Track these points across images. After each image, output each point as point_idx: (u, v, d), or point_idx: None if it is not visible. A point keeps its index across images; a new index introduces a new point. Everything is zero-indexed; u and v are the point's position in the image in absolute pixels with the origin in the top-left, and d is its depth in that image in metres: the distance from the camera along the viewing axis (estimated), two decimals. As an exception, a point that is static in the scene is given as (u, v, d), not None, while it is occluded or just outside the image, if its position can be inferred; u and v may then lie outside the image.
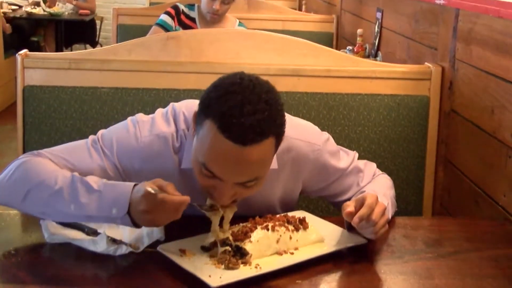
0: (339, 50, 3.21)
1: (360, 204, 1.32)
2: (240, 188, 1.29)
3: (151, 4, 5.49)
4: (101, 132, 1.48)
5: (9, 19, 6.61)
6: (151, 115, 1.49)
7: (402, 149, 2.06)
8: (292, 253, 1.32)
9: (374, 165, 1.66)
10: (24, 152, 1.87)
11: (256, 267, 1.25)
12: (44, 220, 1.37)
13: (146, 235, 1.36)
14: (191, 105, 1.46)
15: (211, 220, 1.31)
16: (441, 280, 1.28)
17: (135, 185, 1.29)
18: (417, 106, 2.07)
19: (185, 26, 3.28)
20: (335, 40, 4.21)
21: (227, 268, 1.24)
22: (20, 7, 7.22)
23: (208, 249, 1.31)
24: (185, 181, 1.37)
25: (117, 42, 3.66)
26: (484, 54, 1.84)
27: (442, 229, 1.62)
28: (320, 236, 1.39)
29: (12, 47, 6.14)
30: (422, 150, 2.08)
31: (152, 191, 1.23)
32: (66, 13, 7.02)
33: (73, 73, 2.03)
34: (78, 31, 7.24)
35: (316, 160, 1.52)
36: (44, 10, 6.96)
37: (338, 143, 1.61)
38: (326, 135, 1.58)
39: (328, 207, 1.91)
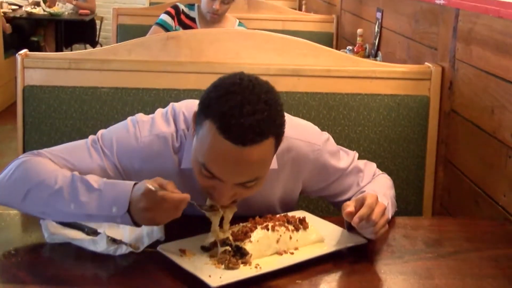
0: (339, 50, 3.21)
1: (360, 204, 1.32)
2: (240, 189, 1.29)
3: (151, 4, 5.49)
4: (101, 132, 1.48)
5: (9, 19, 6.62)
6: (151, 115, 1.49)
7: (402, 149, 2.06)
8: (292, 253, 1.32)
9: (374, 165, 1.66)
10: (24, 152, 1.87)
11: (256, 267, 1.25)
12: (44, 220, 1.38)
13: (146, 235, 1.36)
14: (191, 105, 1.46)
15: (211, 221, 1.31)
16: (441, 280, 1.28)
17: (135, 183, 1.29)
18: (417, 106, 2.07)
19: (185, 26, 3.28)
20: (335, 40, 4.21)
21: (227, 268, 1.24)
22: (20, 7, 7.22)
23: (208, 249, 1.31)
24: (185, 181, 1.37)
25: (117, 42, 3.66)
26: (484, 54, 1.84)
27: (442, 229, 1.62)
28: (320, 236, 1.39)
29: (12, 47, 6.14)
30: (422, 150, 2.08)
31: (153, 188, 1.23)
32: (66, 13, 7.02)
33: (73, 73, 2.03)
34: (78, 31, 7.24)
35: (316, 160, 1.52)
36: (44, 10, 6.96)
37: (338, 143, 1.61)
38: (326, 135, 1.58)
39: (328, 207, 1.91)
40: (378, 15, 3.20)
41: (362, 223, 1.30)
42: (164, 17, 3.26)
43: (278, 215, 1.41)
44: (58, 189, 1.31)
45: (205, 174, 1.27)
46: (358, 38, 3.47)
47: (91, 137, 1.47)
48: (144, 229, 1.36)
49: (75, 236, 1.36)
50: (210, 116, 1.23)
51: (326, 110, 2.03)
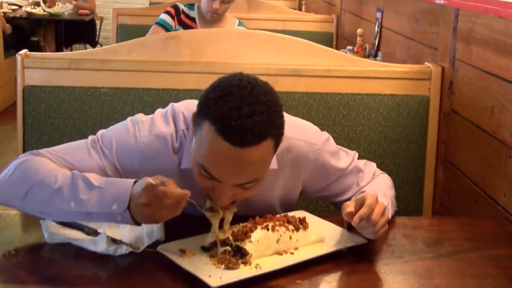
0: (339, 50, 3.21)
1: (360, 204, 1.32)
2: (239, 190, 1.29)
3: (151, 4, 5.50)
4: (100, 132, 1.48)
5: (9, 19, 6.62)
6: (150, 115, 1.49)
7: (402, 149, 2.06)
8: (292, 253, 1.32)
9: (374, 164, 1.66)
10: (24, 152, 1.87)
11: (256, 267, 1.25)
12: (44, 220, 1.38)
13: (146, 235, 1.36)
14: (190, 105, 1.46)
15: (211, 222, 1.31)
16: (441, 280, 1.28)
17: (135, 181, 1.29)
18: (417, 106, 2.07)
19: (185, 26, 3.28)
20: (335, 40, 4.21)
21: (227, 268, 1.24)
22: (20, 7, 7.22)
23: (208, 249, 1.31)
24: (184, 181, 1.37)
25: (117, 42, 3.66)
26: (484, 54, 1.84)
27: (442, 229, 1.62)
28: (320, 236, 1.39)
29: (12, 47, 6.14)
30: (422, 150, 2.08)
31: (154, 183, 1.24)
32: (66, 13, 7.02)
33: (73, 73, 2.03)
34: (78, 31, 7.24)
35: (316, 160, 1.52)
36: (44, 10, 6.96)
37: (338, 143, 1.61)
38: (326, 135, 1.58)
39: (328, 207, 1.91)
40: (378, 15, 3.20)
41: (362, 223, 1.30)
42: (164, 17, 3.26)
43: (278, 215, 1.40)
44: (58, 188, 1.31)
45: (204, 175, 1.27)
46: (358, 38, 3.47)
47: (90, 137, 1.47)
48: (144, 229, 1.37)
49: (75, 236, 1.36)
50: (209, 117, 1.23)
51: (326, 110, 2.03)
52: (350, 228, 1.40)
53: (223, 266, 1.24)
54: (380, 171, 1.66)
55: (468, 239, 1.49)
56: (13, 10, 7.07)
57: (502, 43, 1.73)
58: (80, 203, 1.30)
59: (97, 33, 7.60)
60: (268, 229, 1.32)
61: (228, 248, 1.27)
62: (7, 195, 1.37)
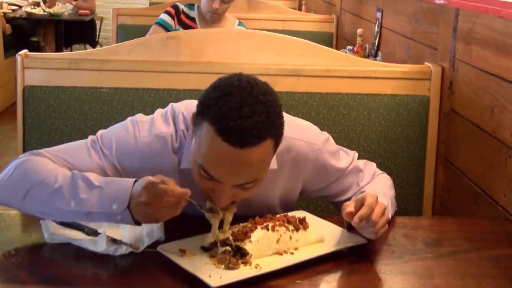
0: (339, 50, 3.21)
1: (360, 204, 1.32)
2: (239, 190, 1.29)
3: (151, 4, 5.50)
4: (100, 132, 1.48)
5: (9, 19, 6.62)
6: (150, 116, 1.49)
7: (402, 149, 2.06)
8: (292, 253, 1.32)
9: (374, 164, 1.66)
10: (24, 152, 1.87)
11: (256, 267, 1.25)
12: (44, 220, 1.38)
13: (146, 235, 1.36)
14: (190, 106, 1.46)
15: (211, 223, 1.31)
16: (441, 280, 1.28)
17: (135, 180, 1.29)
18: (417, 106, 2.07)
19: (185, 26, 3.28)
20: (335, 40, 4.21)
21: (227, 268, 1.24)
22: (20, 7, 7.22)
23: (208, 249, 1.31)
24: (184, 181, 1.37)
25: (117, 42, 3.66)
26: (484, 54, 1.84)
27: (442, 229, 1.62)
28: (320, 236, 1.39)
29: (12, 47, 6.14)
30: (422, 150, 2.08)
31: (154, 181, 1.24)
32: (66, 13, 7.02)
33: (73, 73, 2.03)
34: (78, 31, 7.24)
35: (316, 160, 1.52)
36: (44, 10, 6.96)
37: (338, 143, 1.61)
38: (326, 135, 1.58)
39: (328, 207, 1.91)
40: (378, 15, 3.20)
41: (362, 223, 1.30)
42: (164, 16, 3.26)
43: (278, 215, 1.40)
44: (58, 188, 1.31)
45: (203, 175, 1.27)
46: (358, 38, 3.47)
47: (90, 137, 1.47)
48: (144, 229, 1.37)
49: (75, 236, 1.36)
50: (208, 118, 1.23)
51: (326, 110, 2.03)
52: (350, 228, 1.40)
53: (223, 266, 1.24)
54: (380, 171, 1.66)
55: (468, 239, 1.49)
56: (13, 10, 7.07)
57: (502, 43, 1.73)
58: (80, 202, 1.30)
59: (97, 33, 7.60)
60: (268, 229, 1.32)
61: (228, 248, 1.27)
62: (7, 195, 1.37)
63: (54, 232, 1.36)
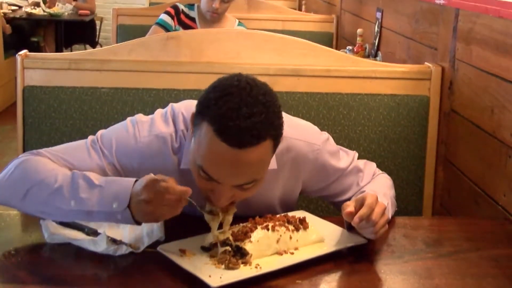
0: (339, 50, 3.21)
1: (360, 204, 1.32)
2: (238, 191, 1.29)
3: (151, 4, 5.50)
4: (100, 132, 1.48)
5: (9, 20, 6.62)
6: (150, 116, 1.49)
7: (402, 149, 2.06)
8: (292, 253, 1.32)
9: (374, 164, 1.66)
10: (24, 152, 1.87)
11: (256, 267, 1.25)
12: (44, 220, 1.38)
13: (146, 235, 1.36)
14: (190, 106, 1.46)
15: (210, 226, 1.31)
16: (441, 280, 1.28)
17: (136, 180, 1.29)
18: (417, 106, 2.07)
19: (185, 26, 3.28)
20: (335, 40, 4.21)
21: (227, 268, 1.24)
22: (20, 7, 7.22)
23: (208, 249, 1.31)
24: (184, 182, 1.37)
25: (117, 42, 3.66)
26: (484, 54, 1.84)
27: (442, 229, 1.62)
28: (320, 236, 1.39)
29: (12, 48, 6.15)
30: (422, 150, 2.08)
31: (155, 178, 1.24)
32: (66, 13, 7.02)
33: (73, 73, 2.03)
34: (78, 32, 7.24)
35: (315, 160, 1.52)
36: (44, 11, 6.96)
37: (338, 143, 1.61)
38: (325, 135, 1.58)
39: (328, 207, 1.91)
40: (378, 15, 3.20)
41: (362, 223, 1.30)
42: (164, 17, 3.26)
43: (278, 215, 1.40)
44: (58, 187, 1.31)
45: (202, 176, 1.27)
46: (358, 38, 3.47)
47: (90, 137, 1.47)
48: (144, 229, 1.37)
49: (75, 236, 1.36)
50: (208, 118, 1.23)
51: (326, 110, 2.03)
52: (350, 228, 1.40)
53: (223, 266, 1.24)
54: (380, 171, 1.66)
55: (468, 239, 1.49)
56: (13, 10, 7.07)
57: (502, 43, 1.73)
58: (81, 202, 1.30)
59: (97, 33, 7.60)
60: (268, 229, 1.32)
61: (228, 248, 1.27)
62: (7, 195, 1.37)
63: (54, 232, 1.36)
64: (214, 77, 1.30)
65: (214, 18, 3.27)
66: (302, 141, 1.51)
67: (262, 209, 1.48)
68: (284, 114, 1.32)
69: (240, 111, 1.20)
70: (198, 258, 1.28)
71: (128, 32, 3.89)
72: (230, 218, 1.33)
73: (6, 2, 7.11)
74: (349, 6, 4.11)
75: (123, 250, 1.31)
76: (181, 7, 3.34)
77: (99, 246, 1.31)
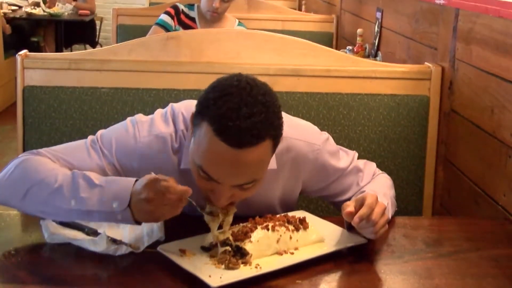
0: (339, 50, 3.21)
1: (360, 204, 1.32)
2: (237, 190, 1.29)
3: (151, 4, 5.50)
4: (100, 132, 1.48)
5: (9, 20, 6.62)
6: (150, 116, 1.49)
7: (402, 149, 2.06)
8: (292, 253, 1.32)
9: (373, 164, 1.66)
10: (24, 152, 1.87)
11: (256, 267, 1.25)
12: (44, 220, 1.38)
13: (146, 235, 1.36)
14: (190, 106, 1.46)
15: (210, 227, 1.31)
16: (441, 280, 1.28)
17: (136, 180, 1.29)
18: (417, 106, 2.07)
19: (185, 26, 3.28)
20: (335, 40, 4.21)
21: (227, 268, 1.24)
22: (20, 7, 7.22)
23: (208, 249, 1.31)
24: (184, 182, 1.37)
25: (117, 42, 3.66)
26: (484, 54, 1.84)
27: (442, 229, 1.62)
28: (320, 236, 1.39)
29: (12, 48, 6.14)
30: (422, 150, 2.08)
31: (156, 177, 1.24)
32: (66, 13, 7.02)
33: (73, 73, 2.03)
34: (78, 32, 7.24)
35: (315, 160, 1.52)
36: (44, 11, 6.96)
37: (338, 143, 1.61)
38: (325, 135, 1.58)
39: (328, 207, 1.91)
40: (378, 15, 3.20)
41: (362, 223, 1.30)
42: (164, 17, 3.26)
43: (278, 215, 1.41)
44: (58, 187, 1.31)
45: (202, 176, 1.27)
46: (358, 38, 3.47)
47: (90, 137, 1.47)
48: (144, 229, 1.37)
49: (75, 236, 1.36)
50: (207, 118, 1.23)
51: (326, 110, 2.03)
52: (350, 228, 1.40)
53: (223, 266, 1.24)
54: (380, 171, 1.66)
55: (468, 239, 1.49)
56: (13, 10, 7.07)
57: (502, 43, 1.73)
58: (81, 201, 1.30)
59: (97, 33, 7.60)
60: (268, 229, 1.32)
61: (228, 248, 1.27)
62: (6, 194, 1.37)
63: (54, 232, 1.36)
64: (214, 77, 1.30)
65: (214, 18, 3.27)
66: (302, 141, 1.51)
67: (262, 209, 1.48)
68: (284, 114, 1.32)
69: (240, 111, 1.20)
70: (198, 258, 1.28)
71: (128, 32, 3.89)
72: (230, 218, 1.33)
73: (6, 2, 7.11)
74: (349, 6, 4.11)
75: (123, 250, 1.31)
76: (181, 7, 3.34)
77: (99, 246, 1.31)
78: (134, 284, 1.22)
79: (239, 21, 3.39)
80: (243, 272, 1.23)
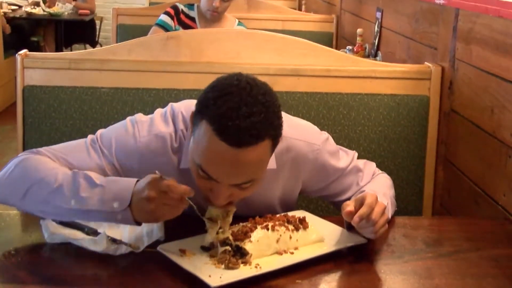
0: (339, 50, 3.21)
1: (360, 204, 1.32)
2: (236, 190, 1.29)
3: (151, 4, 5.49)
4: (100, 131, 1.48)
5: (9, 19, 6.62)
6: (150, 115, 1.49)
7: (402, 149, 2.06)
8: (292, 253, 1.32)
9: (373, 164, 1.66)
10: (24, 152, 1.87)
11: (256, 267, 1.25)
12: (44, 220, 1.38)
13: (146, 234, 1.36)
14: (189, 105, 1.46)
15: (208, 230, 1.31)
16: (441, 280, 1.28)
17: (137, 180, 1.29)
18: (417, 106, 2.07)
19: (185, 26, 3.28)
20: (335, 40, 4.22)
21: (227, 268, 1.24)
22: (20, 7, 7.22)
23: (208, 249, 1.31)
24: (184, 181, 1.37)
25: (117, 42, 3.66)
26: (484, 54, 1.84)
27: (442, 229, 1.62)
28: (320, 236, 1.39)
29: (12, 47, 6.14)
30: (422, 150, 2.08)
31: (158, 176, 1.24)
32: (66, 13, 7.02)
33: (73, 73, 2.03)
34: (78, 31, 7.25)
35: (315, 160, 1.52)
36: (43, 10, 6.96)
37: (338, 143, 1.61)
38: (325, 134, 1.58)
39: (328, 207, 1.91)
40: (378, 15, 3.20)
41: (362, 222, 1.30)
42: (164, 17, 3.27)
43: (278, 215, 1.41)
44: (58, 186, 1.31)
45: (201, 175, 1.27)
46: (358, 38, 3.47)
47: (90, 136, 1.47)
48: (144, 229, 1.37)
49: (75, 236, 1.36)
50: (207, 117, 1.23)
51: (326, 110, 2.03)
52: (350, 227, 1.40)
53: (223, 266, 1.24)
54: (380, 171, 1.66)
55: (468, 239, 1.49)
56: (13, 10, 7.07)
57: (502, 43, 1.73)
58: (81, 201, 1.30)
59: (97, 33, 7.60)
60: (268, 229, 1.32)
61: (228, 248, 1.27)
62: (6, 193, 1.37)
63: (54, 232, 1.35)
64: (214, 77, 1.31)
65: (214, 17, 3.27)
66: (302, 141, 1.51)
67: (262, 209, 1.48)
68: (284, 114, 1.32)
69: (240, 110, 1.20)
70: (198, 258, 1.28)
71: (128, 32, 3.89)
72: (229, 218, 1.33)
73: (6, 2, 7.11)
74: (349, 6, 4.11)
75: (123, 250, 1.31)
76: (181, 7, 3.34)
77: (99, 246, 1.31)
78: (134, 284, 1.22)
79: (239, 21, 3.39)
80: (243, 272, 1.23)
